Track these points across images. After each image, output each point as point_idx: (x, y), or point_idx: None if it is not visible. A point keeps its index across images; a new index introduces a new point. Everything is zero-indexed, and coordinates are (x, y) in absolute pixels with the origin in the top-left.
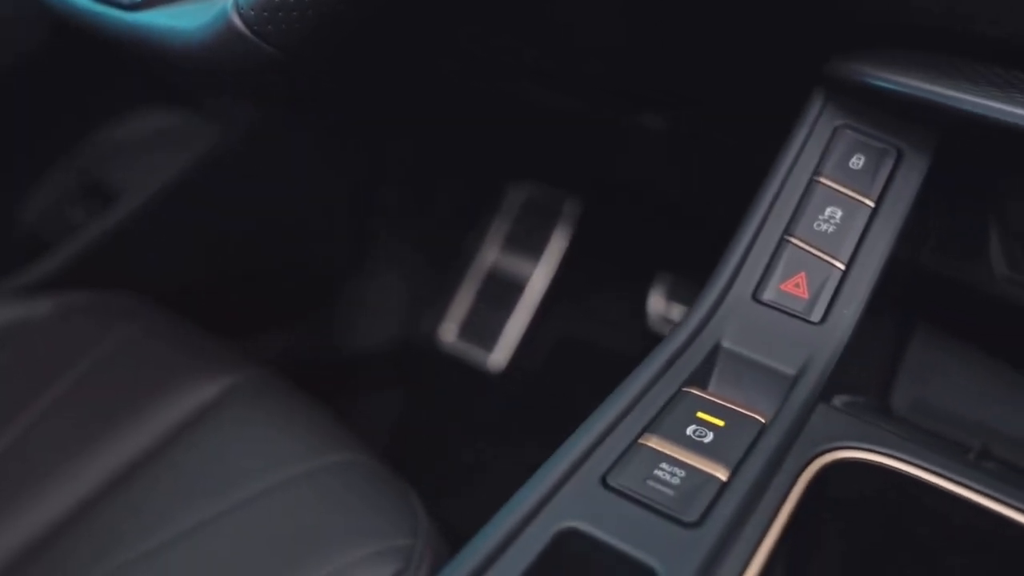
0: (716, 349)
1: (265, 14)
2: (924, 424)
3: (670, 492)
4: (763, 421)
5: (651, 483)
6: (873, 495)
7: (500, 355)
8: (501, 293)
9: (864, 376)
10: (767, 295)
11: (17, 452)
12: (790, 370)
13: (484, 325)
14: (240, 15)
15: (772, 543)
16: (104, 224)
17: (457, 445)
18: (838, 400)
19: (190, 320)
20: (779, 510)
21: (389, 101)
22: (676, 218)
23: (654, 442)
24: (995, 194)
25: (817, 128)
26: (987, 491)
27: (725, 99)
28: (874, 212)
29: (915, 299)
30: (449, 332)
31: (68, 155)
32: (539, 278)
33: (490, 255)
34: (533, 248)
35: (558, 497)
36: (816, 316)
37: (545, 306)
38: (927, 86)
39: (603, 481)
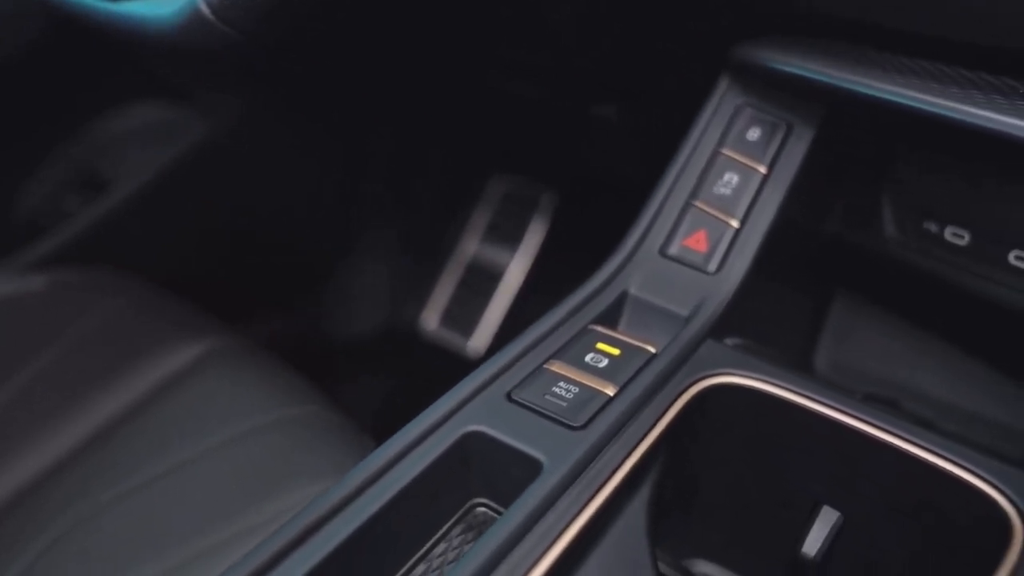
0: (624, 295)
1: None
2: (843, 383)
3: (563, 404)
4: (653, 351)
5: (548, 397)
6: (746, 414)
7: (479, 341)
8: (481, 282)
9: (789, 341)
10: (671, 250)
11: (9, 410)
12: (684, 311)
13: (464, 313)
14: (206, 1)
15: (648, 447)
16: (97, 211)
17: None
18: (729, 341)
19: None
20: (658, 422)
21: (369, 92)
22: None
23: (556, 366)
24: (887, 163)
25: (721, 106)
26: (846, 409)
27: (660, 86)
28: (766, 177)
29: (832, 268)
30: (431, 319)
31: (64, 146)
32: (517, 267)
33: (470, 245)
34: (511, 238)
35: (467, 408)
36: (712, 267)
37: (523, 294)
38: (810, 67)
39: (508, 396)
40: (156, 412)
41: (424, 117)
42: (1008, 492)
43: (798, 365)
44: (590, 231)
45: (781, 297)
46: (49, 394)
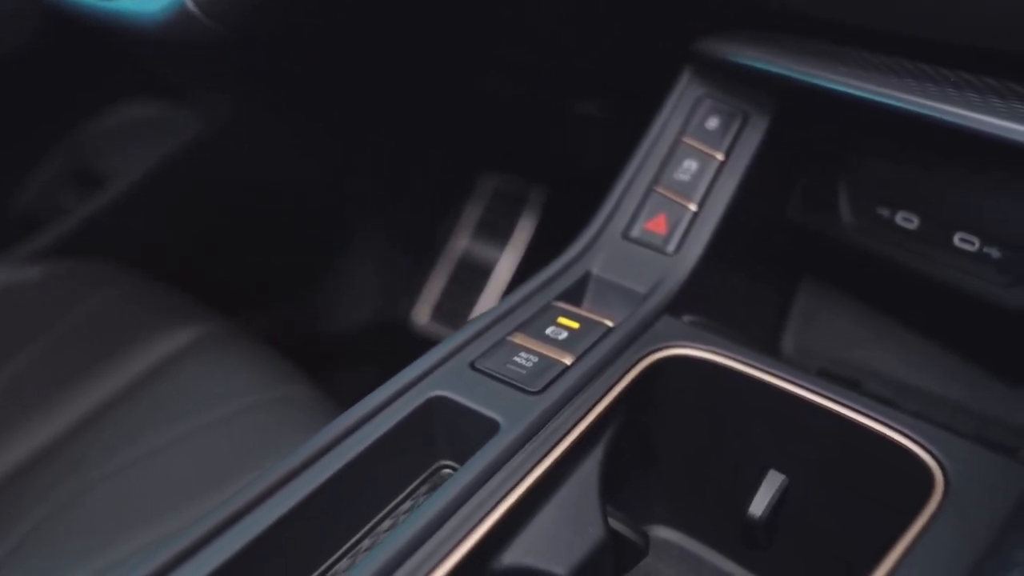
0: (587, 275)
1: None
2: (808, 365)
3: (523, 371)
4: (611, 325)
5: (509, 365)
6: (698, 383)
7: None
8: (471, 277)
9: (757, 325)
10: (634, 233)
11: (4, 395)
12: (642, 289)
13: (455, 307)
14: None
15: (600, 411)
16: (93, 206)
17: None
18: (687, 318)
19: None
20: (611, 389)
21: (364, 91)
22: None
23: (518, 338)
24: (842, 152)
25: (683, 97)
26: (790, 378)
27: (660, 84)
28: (722, 164)
29: (797, 255)
30: (422, 314)
31: (61, 143)
32: (506, 262)
33: (461, 241)
34: (501, 234)
35: (433, 375)
36: (670, 248)
37: (512, 289)
38: (762, 59)
39: (472, 365)
40: (147, 395)
41: (417, 116)
42: (931, 448)
43: (766, 349)
44: (578, 227)
45: (749, 283)
46: (42, 380)
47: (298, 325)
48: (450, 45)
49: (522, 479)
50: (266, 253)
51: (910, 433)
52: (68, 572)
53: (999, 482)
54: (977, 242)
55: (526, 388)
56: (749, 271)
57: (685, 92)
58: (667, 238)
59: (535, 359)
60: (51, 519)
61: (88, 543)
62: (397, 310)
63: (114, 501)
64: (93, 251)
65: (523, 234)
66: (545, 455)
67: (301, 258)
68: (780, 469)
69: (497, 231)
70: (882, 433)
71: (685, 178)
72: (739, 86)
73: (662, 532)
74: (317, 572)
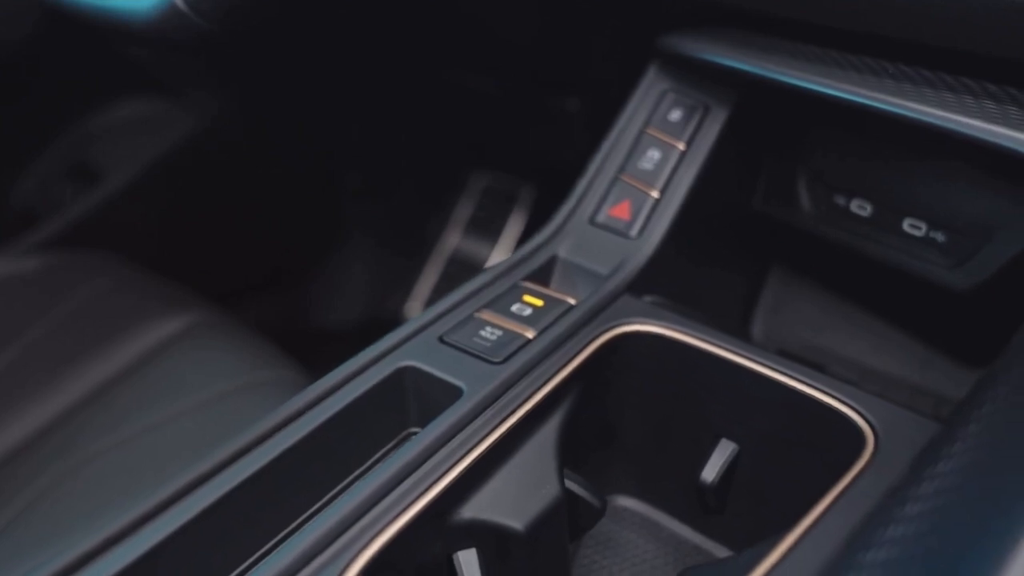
0: (554, 259)
1: None
2: (774, 349)
3: (487, 344)
4: (573, 303)
5: (475, 339)
6: (655, 357)
7: None
8: (462, 273)
9: (727, 313)
10: (599, 218)
11: (3, 378)
12: (606, 271)
13: None
14: None
15: (559, 381)
16: (89, 201)
17: None
18: (647, 298)
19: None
20: (570, 361)
21: (358, 88)
22: None
23: (485, 315)
24: (799, 142)
25: (649, 92)
26: (741, 352)
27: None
28: (684, 153)
29: (764, 244)
30: (413, 310)
31: (59, 139)
32: (496, 259)
33: (452, 238)
34: (492, 231)
35: (403, 347)
36: (633, 233)
37: None
38: (721, 54)
39: (440, 338)
40: (142, 377)
41: (409, 114)
42: (863, 412)
43: (736, 335)
44: None
45: (714, 270)
46: (40, 364)
47: (290, 319)
48: (442, 45)
49: (481, 440)
50: (259, 248)
51: (846, 400)
52: (64, 543)
53: (921, 439)
54: (924, 227)
55: (489, 359)
56: (714, 258)
57: (651, 86)
58: (630, 223)
59: (499, 333)
60: (47, 495)
61: (85, 514)
62: (389, 306)
63: (110, 475)
64: (89, 244)
65: (513, 231)
66: (504, 419)
67: (294, 254)
68: (731, 438)
69: (488, 228)
70: (822, 400)
71: (648, 167)
72: (701, 80)
73: (622, 500)
74: (291, 526)
